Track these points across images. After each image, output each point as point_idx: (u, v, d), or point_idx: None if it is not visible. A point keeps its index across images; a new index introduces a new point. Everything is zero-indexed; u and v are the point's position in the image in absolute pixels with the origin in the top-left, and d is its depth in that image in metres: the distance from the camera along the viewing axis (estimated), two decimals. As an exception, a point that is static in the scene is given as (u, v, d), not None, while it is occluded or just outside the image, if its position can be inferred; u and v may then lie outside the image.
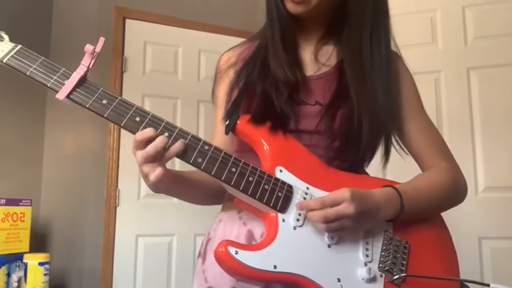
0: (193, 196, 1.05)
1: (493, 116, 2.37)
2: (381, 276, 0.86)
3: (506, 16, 2.43)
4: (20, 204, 2.26)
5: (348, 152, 0.95)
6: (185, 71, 3.22)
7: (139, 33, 3.12)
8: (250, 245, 0.88)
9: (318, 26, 1.05)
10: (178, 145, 0.83)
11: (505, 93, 2.36)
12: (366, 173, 1.04)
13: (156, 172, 0.82)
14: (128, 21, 3.10)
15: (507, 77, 2.38)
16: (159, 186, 0.86)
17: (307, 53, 1.05)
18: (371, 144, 0.97)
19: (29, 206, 2.30)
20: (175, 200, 3.02)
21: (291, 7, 0.97)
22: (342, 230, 0.83)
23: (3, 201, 2.18)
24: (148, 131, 0.82)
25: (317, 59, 1.03)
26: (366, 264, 0.85)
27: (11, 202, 2.22)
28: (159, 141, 0.81)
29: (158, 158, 0.82)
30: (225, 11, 3.35)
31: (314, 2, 0.96)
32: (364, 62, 0.98)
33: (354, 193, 0.81)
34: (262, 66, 0.99)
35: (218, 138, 1.06)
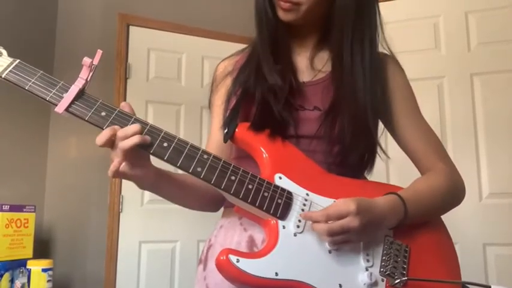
0: (184, 199, 1.03)
1: (497, 122, 2.36)
2: (382, 280, 0.86)
3: (509, 21, 2.42)
4: (24, 210, 2.26)
5: (347, 156, 0.95)
6: (188, 77, 3.22)
7: (143, 40, 3.13)
8: (251, 252, 0.88)
9: (313, 32, 1.05)
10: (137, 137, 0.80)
11: (509, 99, 2.36)
12: (365, 178, 1.04)
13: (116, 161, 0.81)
14: (131, 28, 3.11)
15: (511, 83, 2.37)
16: (142, 182, 0.87)
17: (303, 59, 1.05)
18: (355, 147, 0.95)
19: (32, 212, 2.30)
20: (178, 206, 3.06)
21: (282, 14, 0.98)
22: (346, 243, 0.83)
23: (7, 207, 2.18)
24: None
25: (313, 65, 1.04)
26: (367, 269, 0.85)
27: (15, 208, 2.22)
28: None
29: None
30: (228, 17, 3.35)
31: (303, 9, 0.96)
32: (345, 66, 0.98)
33: (359, 205, 0.81)
34: (256, 73, 0.99)
35: (213, 146, 1.07)
